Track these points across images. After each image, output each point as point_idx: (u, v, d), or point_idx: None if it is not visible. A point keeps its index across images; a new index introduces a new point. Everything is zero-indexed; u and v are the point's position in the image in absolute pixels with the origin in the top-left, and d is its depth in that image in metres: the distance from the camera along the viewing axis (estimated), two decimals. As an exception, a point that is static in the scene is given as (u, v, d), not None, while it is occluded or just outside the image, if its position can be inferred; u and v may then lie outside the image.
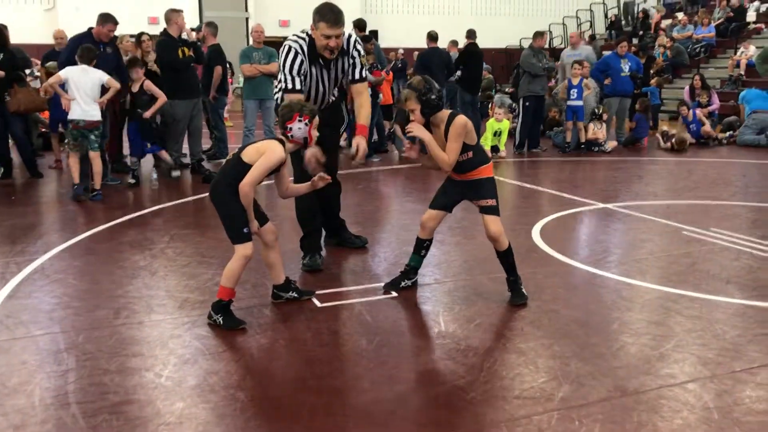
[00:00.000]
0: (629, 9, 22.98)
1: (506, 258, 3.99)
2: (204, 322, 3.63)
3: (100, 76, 6.87)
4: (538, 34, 10.86)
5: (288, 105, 3.69)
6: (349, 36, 4.53)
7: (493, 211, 3.89)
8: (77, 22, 18.47)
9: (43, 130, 10.79)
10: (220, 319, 3.57)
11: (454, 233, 5.60)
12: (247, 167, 3.51)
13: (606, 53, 13.28)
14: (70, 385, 2.95)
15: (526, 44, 18.30)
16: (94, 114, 6.91)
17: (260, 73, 8.84)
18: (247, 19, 20.40)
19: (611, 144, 10.96)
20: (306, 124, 3.61)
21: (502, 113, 10.47)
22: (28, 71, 8.96)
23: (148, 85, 7.54)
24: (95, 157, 6.97)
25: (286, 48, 4.41)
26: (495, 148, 10.16)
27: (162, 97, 7.55)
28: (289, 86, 4.38)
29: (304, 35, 4.44)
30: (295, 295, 3.96)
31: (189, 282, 4.35)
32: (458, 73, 11.04)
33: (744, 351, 3.28)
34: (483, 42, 11.61)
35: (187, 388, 2.94)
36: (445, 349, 3.31)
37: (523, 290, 3.99)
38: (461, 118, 3.78)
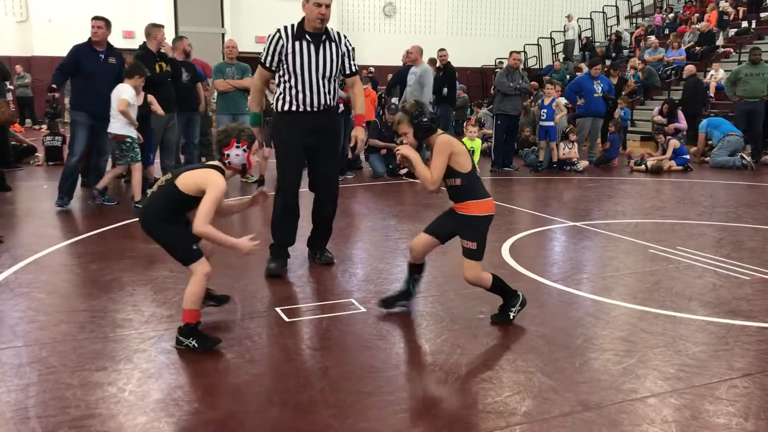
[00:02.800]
0: (569, 47, 23.31)
1: (495, 290, 3.92)
2: (171, 337, 3.61)
3: (120, 92, 6.96)
4: (511, 54, 11.04)
5: (225, 130, 3.57)
6: (338, 32, 4.85)
7: (471, 255, 3.77)
8: (50, 33, 18.45)
9: (14, 143, 10.72)
10: (194, 342, 3.44)
11: (425, 249, 5.62)
12: (183, 195, 3.39)
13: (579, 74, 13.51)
14: (30, 399, 2.92)
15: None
16: (115, 127, 6.99)
17: (233, 88, 8.86)
18: (223, 34, 20.41)
19: (583, 164, 11.12)
20: (244, 150, 3.50)
21: (475, 132, 10.58)
22: (10, 83, 8.88)
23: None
24: (133, 169, 7.05)
25: (272, 31, 4.74)
26: (468, 166, 10.24)
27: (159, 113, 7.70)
28: (262, 59, 4.76)
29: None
30: (213, 303, 4.00)
31: (156, 296, 4.32)
32: (445, 91, 11.24)
33: (704, 366, 3.33)
34: (458, 61, 11.81)
35: (151, 403, 2.92)
36: (411, 364, 3.33)
37: (511, 315, 3.90)
38: (443, 137, 3.72)
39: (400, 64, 11.47)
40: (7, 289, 4.42)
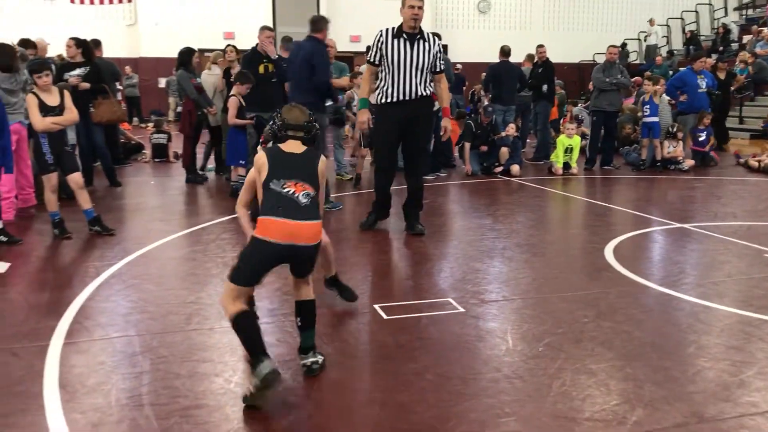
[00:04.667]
0: (651, 52, 22.24)
1: (240, 339, 2.98)
2: (273, 330, 3.68)
3: None
4: (608, 48, 10.71)
5: None
6: (429, 33, 5.76)
7: (229, 272, 3.09)
8: (156, 36, 19.31)
9: (123, 140, 11.26)
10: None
11: (523, 250, 5.51)
12: None
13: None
14: (144, 387, 3.04)
15: (599, 59, 18.02)
16: None
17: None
18: (319, 34, 20.74)
19: (688, 162, 10.62)
20: None
21: (573, 129, 10.30)
22: (120, 84, 9.25)
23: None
24: None
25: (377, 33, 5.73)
26: (566, 165, 9.98)
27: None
28: (368, 56, 5.85)
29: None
30: (336, 290, 4.13)
31: (258, 290, 4.38)
32: (544, 87, 11.06)
33: (832, 382, 3.10)
34: (554, 57, 11.55)
35: (256, 395, 2.98)
36: (512, 368, 3.26)
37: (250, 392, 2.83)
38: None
39: (494, 60, 11.29)
40: (120, 281, 4.63)
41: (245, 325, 2.95)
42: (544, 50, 11.38)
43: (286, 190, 3.04)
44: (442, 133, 5.93)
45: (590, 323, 3.84)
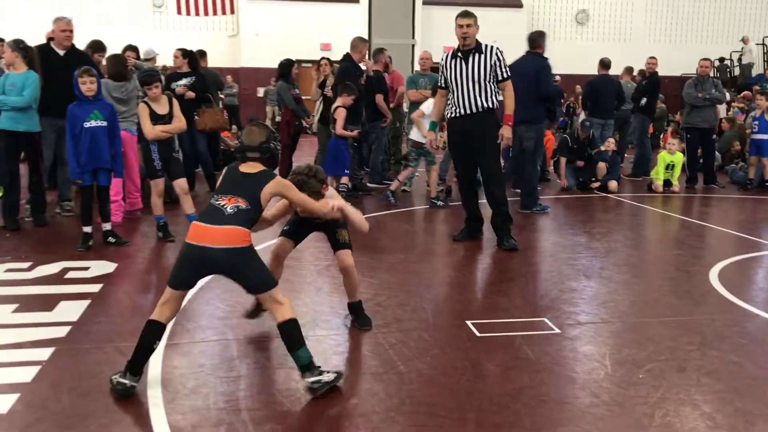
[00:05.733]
0: (746, 71, 21.01)
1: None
2: (367, 341, 3.70)
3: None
4: (700, 62, 10.27)
5: None
6: (488, 45, 5.89)
7: None
8: (257, 47, 19.91)
9: (223, 147, 11.64)
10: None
11: (621, 271, 5.33)
12: None
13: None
14: (241, 391, 3.11)
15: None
16: (415, 135, 8.09)
17: (425, 99, 8.95)
18: (413, 45, 20.85)
19: (801, 183, 9.99)
20: None
21: (675, 145, 9.89)
22: (221, 93, 9.49)
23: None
24: (431, 170, 8.25)
25: None
26: (667, 182, 9.60)
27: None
28: (438, 82, 6.28)
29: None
30: (353, 316, 4.04)
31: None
32: (643, 101, 10.72)
33: None
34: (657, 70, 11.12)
35: (348, 407, 2.99)
36: (611, 394, 3.14)
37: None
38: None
39: (593, 73, 11.00)
40: (219, 284, 4.75)
41: (142, 335, 3.13)
42: (654, 62, 11.00)
43: (217, 203, 3.18)
44: (499, 141, 5.90)
45: (695, 351, 3.66)
